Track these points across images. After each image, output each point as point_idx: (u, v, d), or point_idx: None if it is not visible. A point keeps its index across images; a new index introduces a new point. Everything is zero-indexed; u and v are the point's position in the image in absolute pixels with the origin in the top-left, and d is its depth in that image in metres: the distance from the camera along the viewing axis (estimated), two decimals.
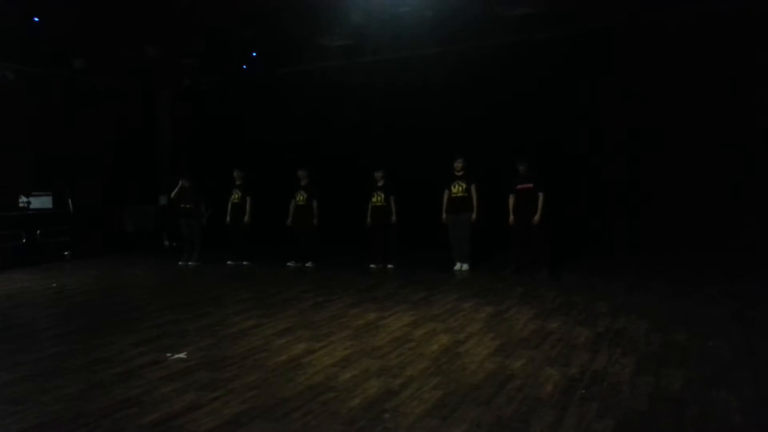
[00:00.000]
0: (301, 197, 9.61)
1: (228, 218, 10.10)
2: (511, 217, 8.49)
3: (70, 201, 11.38)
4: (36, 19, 9.34)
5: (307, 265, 9.56)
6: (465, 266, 8.73)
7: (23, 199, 10.74)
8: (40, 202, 10.98)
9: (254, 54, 11.68)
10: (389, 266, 9.10)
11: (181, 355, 4.78)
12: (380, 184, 9.22)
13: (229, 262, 10.04)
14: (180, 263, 10.25)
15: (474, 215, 8.60)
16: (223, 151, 12.80)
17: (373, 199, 9.22)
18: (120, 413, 3.62)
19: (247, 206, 9.98)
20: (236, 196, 10.09)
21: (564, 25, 9.74)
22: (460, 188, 8.68)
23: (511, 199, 8.53)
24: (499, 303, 6.45)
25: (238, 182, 10.16)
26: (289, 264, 9.65)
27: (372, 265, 9.18)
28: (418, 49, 10.68)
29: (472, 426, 3.31)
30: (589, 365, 4.28)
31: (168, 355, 4.80)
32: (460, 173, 8.73)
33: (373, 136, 11.13)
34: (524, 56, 10.12)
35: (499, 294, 6.96)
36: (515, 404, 3.60)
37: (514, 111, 10.10)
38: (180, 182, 10.22)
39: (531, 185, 8.36)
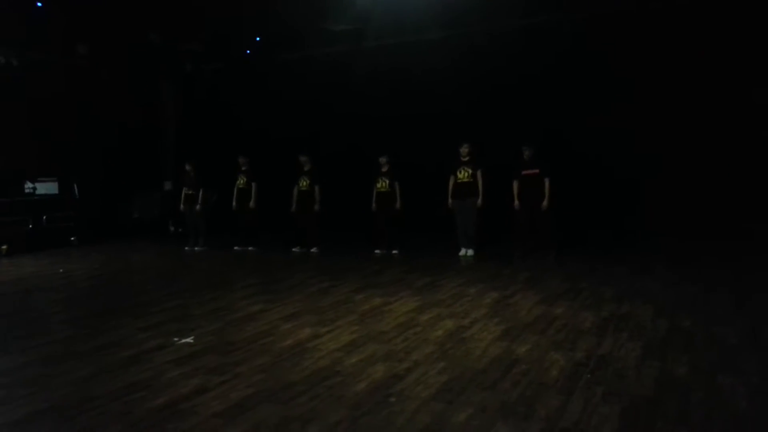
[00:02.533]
0: (304, 183, 9.61)
1: (234, 204, 10.12)
2: (516, 202, 8.49)
3: (75, 187, 11.41)
4: (39, 4, 9.31)
5: (312, 250, 9.58)
6: (470, 252, 8.74)
7: (29, 185, 10.77)
8: (46, 188, 11.03)
9: (257, 39, 11.61)
10: (394, 252, 9.11)
11: (189, 340, 4.81)
12: (384, 169, 9.20)
13: (235, 248, 10.07)
14: (186, 248, 10.30)
15: (480, 201, 8.58)
16: (226, 137, 12.77)
17: (378, 185, 9.20)
18: (129, 396, 3.65)
19: (253, 192, 9.99)
20: (241, 181, 10.10)
21: (570, 9, 9.64)
22: (466, 174, 8.65)
23: (516, 185, 8.51)
24: (505, 288, 6.46)
25: (243, 168, 10.17)
26: (294, 249, 9.67)
27: (377, 251, 9.19)
28: (423, 33, 10.59)
29: (477, 410, 3.33)
30: (595, 350, 4.28)
31: (175, 339, 4.83)
32: (466, 159, 8.70)
33: (378, 121, 11.08)
34: (530, 40, 10.04)
35: (504, 279, 6.97)
36: (520, 389, 3.61)
37: (520, 95, 10.04)
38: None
39: (536, 171, 8.34)
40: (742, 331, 4.64)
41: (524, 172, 8.44)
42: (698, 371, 3.83)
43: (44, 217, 10.78)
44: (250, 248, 10.03)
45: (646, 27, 9.24)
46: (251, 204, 9.99)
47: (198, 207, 10.21)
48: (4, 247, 9.98)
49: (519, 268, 7.62)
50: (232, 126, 13.02)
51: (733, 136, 8.72)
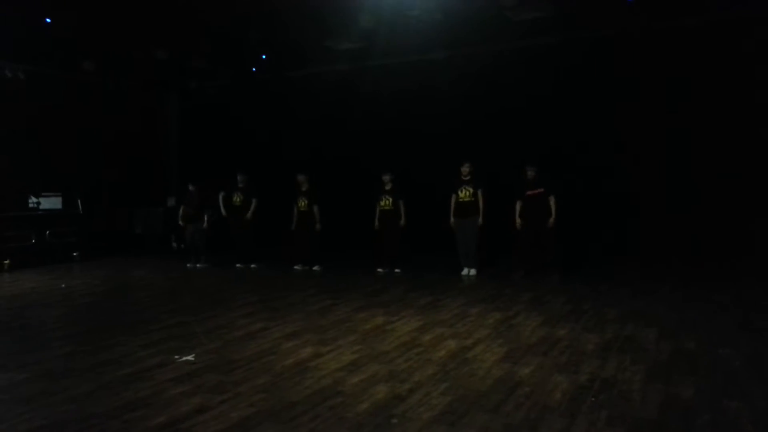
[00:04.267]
0: (303, 203, 9.60)
1: (230, 221, 10.11)
2: (518, 221, 8.45)
3: (79, 202, 11.43)
4: (48, 20, 9.41)
5: (314, 268, 9.55)
6: (472, 271, 8.70)
7: (33, 199, 10.80)
8: (50, 202, 11.05)
9: (263, 57, 11.71)
10: (396, 270, 9.07)
11: (189, 358, 4.78)
12: (388, 187, 9.20)
13: (237, 265, 10.05)
14: (188, 265, 10.28)
15: (481, 220, 8.57)
16: (230, 154, 12.81)
17: (381, 203, 9.20)
18: (128, 415, 3.62)
19: (252, 209, 9.97)
20: (238, 199, 10.07)
21: (573, 29, 9.72)
22: (468, 193, 8.65)
23: (519, 205, 8.49)
24: (507, 308, 6.42)
25: (241, 185, 10.15)
26: (296, 267, 9.64)
27: (379, 269, 9.16)
28: (428, 52, 10.68)
29: None
30: (599, 372, 4.25)
31: (176, 357, 4.81)
32: (468, 178, 8.70)
33: (381, 139, 11.12)
34: (533, 60, 10.11)
35: (506, 299, 6.93)
36: (524, 411, 3.57)
37: (522, 115, 10.08)
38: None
39: (541, 190, 8.32)
40: (746, 354, 4.61)
41: (528, 193, 8.40)
42: (703, 394, 3.79)
43: (47, 232, 10.78)
44: (252, 266, 10.01)
45: (650, 47, 9.30)
46: (248, 215, 9.94)
47: (204, 225, 10.18)
48: (6, 262, 9.97)
49: (521, 289, 7.59)
50: (235, 142, 13.06)
51: (740, 159, 8.72)
